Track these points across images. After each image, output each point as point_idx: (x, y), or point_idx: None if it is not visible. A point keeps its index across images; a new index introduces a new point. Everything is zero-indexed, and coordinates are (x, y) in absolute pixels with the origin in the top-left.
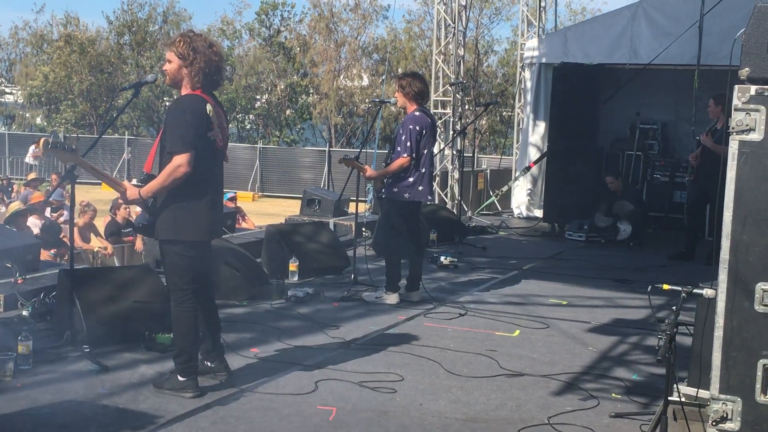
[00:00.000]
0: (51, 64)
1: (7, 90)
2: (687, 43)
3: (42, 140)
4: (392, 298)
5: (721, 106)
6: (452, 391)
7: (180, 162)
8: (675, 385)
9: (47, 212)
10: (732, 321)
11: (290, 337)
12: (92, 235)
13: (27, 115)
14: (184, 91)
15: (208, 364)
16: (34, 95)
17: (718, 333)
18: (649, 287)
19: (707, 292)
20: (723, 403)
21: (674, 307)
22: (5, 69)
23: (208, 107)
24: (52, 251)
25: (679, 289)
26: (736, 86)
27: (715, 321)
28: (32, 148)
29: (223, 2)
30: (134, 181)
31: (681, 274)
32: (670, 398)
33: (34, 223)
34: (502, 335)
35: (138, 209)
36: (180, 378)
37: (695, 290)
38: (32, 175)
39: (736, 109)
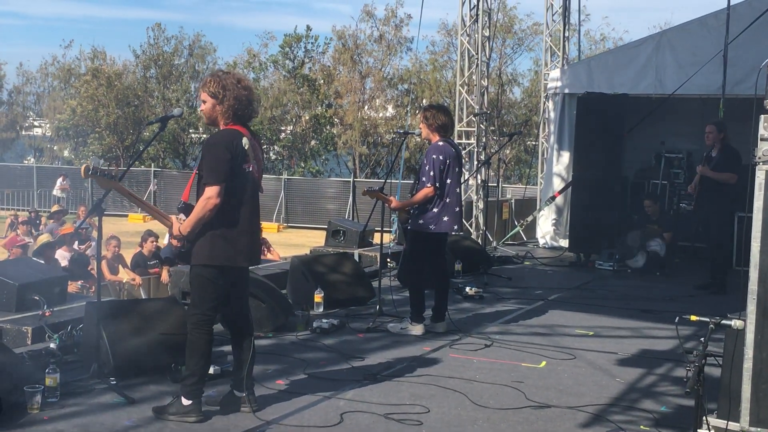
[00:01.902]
0: (78, 97)
1: (36, 123)
2: (712, 72)
3: (83, 167)
4: (417, 329)
5: (723, 133)
6: (479, 423)
7: (211, 194)
8: (704, 417)
9: (75, 244)
10: (762, 352)
11: (315, 368)
12: (120, 267)
13: (55, 148)
14: (221, 126)
15: (237, 393)
16: (62, 128)
17: (748, 365)
18: (677, 318)
19: (736, 323)
20: None
21: (702, 339)
22: (33, 103)
23: (245, 140)
24: (79, 283)
25: (707, 320)
26: (762, 116)
27: (745, 352)
28: (59, 180)
29: (249, 35)
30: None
31: (708, 304)
32: (699, 431)
33: (62, 255)
34: (528, 366)
35: (166, 240)
36: (185, 402)
37: (723, 321)
38: (55, 207)
39: (762, 139)
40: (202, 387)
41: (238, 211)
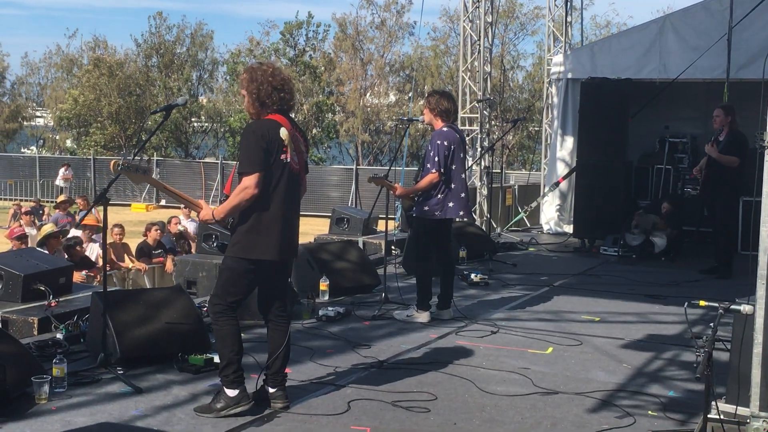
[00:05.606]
0: (80, 87)
1: (38, 113)
2: (716, 56)
3: (112, 162)
4: (423, 317)
5: (730, 116)
6: (486, 409)
7: (248, 183)
8: (714, 402)
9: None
10: None
11: (322, 356)
12: (126, 256)
13: (57, 137)
14: (260, 118)
15: (269, 389)
16: (64, 118)
17: (757, 350)
18: (686, 303)
19: (745, 308)
20: (764, 420)
21: (711, 324)
22: (36, 93)
23: (282, 131)
24: (84, 272)
25: (716, 305)
26: None
27: (754, 337)
28: (62, 170)
29: (252, 23)
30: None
31: (713, 288)
32: (708, 415)
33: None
34: (534, 353)
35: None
36: (230, 393)
37: (732, 306)
38: (62, 197)
39: None
40: (242, 373)
41: (272, 201)
